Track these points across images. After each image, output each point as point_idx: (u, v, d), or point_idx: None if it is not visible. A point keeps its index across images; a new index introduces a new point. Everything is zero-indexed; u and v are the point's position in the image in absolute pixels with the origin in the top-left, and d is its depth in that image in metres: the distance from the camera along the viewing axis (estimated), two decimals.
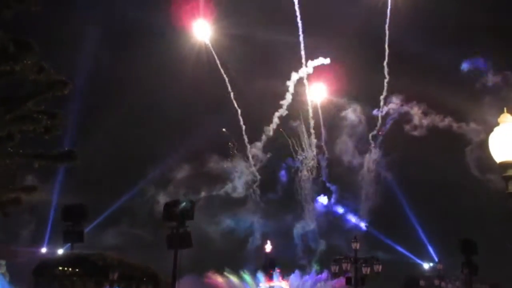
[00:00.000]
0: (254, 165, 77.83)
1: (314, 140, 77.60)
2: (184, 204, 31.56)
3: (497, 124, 10.96)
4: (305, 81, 75.06)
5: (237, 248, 75.00)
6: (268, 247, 75.18)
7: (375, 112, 74.31)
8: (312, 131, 77.22)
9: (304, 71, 73.90)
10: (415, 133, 69.72)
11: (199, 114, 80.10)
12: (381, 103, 73.67)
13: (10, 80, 18.52)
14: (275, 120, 76.02)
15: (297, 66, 74.31)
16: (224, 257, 68.83)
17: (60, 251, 50.22)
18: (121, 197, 69.55)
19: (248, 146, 77.38)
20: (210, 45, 72.57)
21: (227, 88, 74.93)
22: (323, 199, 76.72)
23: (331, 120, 76.69)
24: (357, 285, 37.27)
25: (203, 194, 74.74)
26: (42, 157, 19.93)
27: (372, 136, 75.07)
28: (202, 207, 75.20)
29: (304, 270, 66.38)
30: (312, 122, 76.61)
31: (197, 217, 72.26)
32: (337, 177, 77.99)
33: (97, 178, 76.24)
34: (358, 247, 37.87)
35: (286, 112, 75.67)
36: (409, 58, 71.07)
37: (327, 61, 73.52)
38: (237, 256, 72.20)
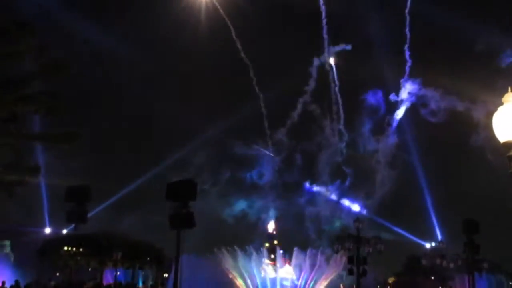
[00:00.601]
0: (278, 150, 78.60)
1: (334, 124, 78.00)
2: (186, 183, 31.63)
3: (501, 103, 10.96)
4: (327, 66, 75.38)
5: (250, 230, 76.03)
6: (271, 227, 75.61)
7: (392, 96, 74.37)
8: (333, 116, 77.63)
9: (326, 56, 74.17)
10: (433, 117, 69.53)
11: (222, 100, 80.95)
12: (401, 87, 73.56)
13: (13, 62, 18.53)
14: (298, 105, 76.54)
15: (319, 52, 74.75)
16: (236, 238, 69.90)
17: (64, 231, 50.66)
18: (139, 179, 70.43)
19: (268, 132, 78.12)
20: (233, 32, 72.90)
21: (250, 74, 75.54)
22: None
23: (351, 104, 77.16)
24: (359, 264, 37.43)
25: (223, 177, 75.81)
26: (45, 138, 19.99)
27: (389, 120, 75.14)
28: (222, 191, 76.33)
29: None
30: (333, 107, 76.95)
31: (215, 200, 73.64)
32: (354, 160, 78.51)
33: (117, 160, 77.06)
34: (360, 227, 38.06)
35: (309, 97, 76.11)
36: (430, 41, 71.08)
37: (348, 47, 73.71)
38: (249, 237, 73.18)
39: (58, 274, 53.51)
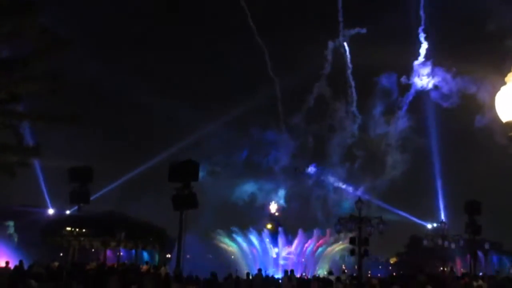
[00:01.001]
0: (292, 133, 78.92)
1: (347, 107, 77.97)
2: (188, 164, 31.64)
3: (505, 83, 10.87)
4: (342, 49, 75.22)
5: (259, 212, 76.58)
6: (273, 208, 75.91)
7: (404, 79, 74.17)
8: (347, 99, 77.59)
9: (341, 39, 74.01)
10: (445, 100, 69.22)
11: (237, 84, 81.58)
12: (414, 70, 73.20)
13: (15, 41, 18.43)
14: (313, 89, 76.63)
15: (334, 35, 74.61)
16: (244, 220, 70.56)
17: (67, 212, 50.84)
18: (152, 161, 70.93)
19: (282, 116, 78.42)
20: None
21: (265, 58, 75.86)
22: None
23: (365, 87, 77.12)
24: (361, 244, 37.53)
25: (237, 160, 76.33)
26: (47, 119, 19.94)
27: (401, 102, 74.98)
28: (235, 174, 76.75)
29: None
30: (347, 90, 76.89)
31: (226, 182, 74.13)
32: (365, 143, 78.59)
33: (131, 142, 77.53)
34: (362, 207, 38.13)
35: (323, 81, 76.10)
36: (445, 24, 70.59)
37: (363, 30, 73.45)
38: (256, 219, 73.79)
39: (61, 254, 53.87)
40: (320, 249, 62.22)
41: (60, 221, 47.61)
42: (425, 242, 52.75)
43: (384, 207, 71.82)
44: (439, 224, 52.09)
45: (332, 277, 27.33)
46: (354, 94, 77.67)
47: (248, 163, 78.51)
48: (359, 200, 39.01)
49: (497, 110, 11.00)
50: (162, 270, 30.33)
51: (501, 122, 11.01)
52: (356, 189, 75.99)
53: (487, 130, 60.48)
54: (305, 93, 77.68)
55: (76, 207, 39.40)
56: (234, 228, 62.18)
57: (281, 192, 78.66)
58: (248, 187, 76.79)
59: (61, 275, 26.27)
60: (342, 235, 47.30)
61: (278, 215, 77.61)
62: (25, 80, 18.52)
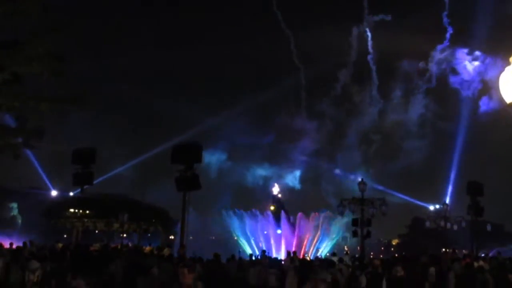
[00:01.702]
0: (314, 119, 79.09)
1: (368, 93, 77.89)
2: (191, 146, 31.68)
3: (509, 63, 10.77)
4: (366, 35, 74.93)
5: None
6: (276, 190, 76.02)
7: (424, 65, 73.90)
8: (369, 85, 77.46)
9: (365, 25, 73.71)
10: (466, 86, 68.78)
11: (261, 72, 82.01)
12: (438, 55, 72.70)
13: (16, 21, 18.34)
14: (337, 75, 76.65)
15: (358, 21, 74.33)
16: (255, 201, 71.26)
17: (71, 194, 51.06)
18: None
19: (304, 103, 78.58)
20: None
21: (290, 46, 75.98)
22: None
23: (387, 73, 76.88)
24: (363, 226, 37.68)
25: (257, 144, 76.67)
26: (51, 100, 19.90)
27: (422, 88, 74.72)
28: (253, 158, 77.17)
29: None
30: (370, 76, 76.73)
31: (243, 166, 74.79)
32: (383, 128, 78.61)
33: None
34: (365, 189, 38.22)
35: (347, 67, 76.01)
36: (469, 9, 69.76)
37: (388, 17, 73.01)
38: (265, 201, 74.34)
39: (65, 236, 54.18)
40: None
41: (63, 203, 47.84)
42: (427, 224, 52.88)
43: (387, 191, 72.11)
44: (441, 206, 52.19)
45: (334, 258, 27.45)
46: (376, 80, 77.45)
47: (271, 149, 79.18)
48: (361, 182, 39.13)
49: (500, 90, 10.91)
50: (166, 251, 30.50)
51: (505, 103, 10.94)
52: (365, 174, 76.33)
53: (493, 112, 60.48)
54: (329, 79, 77.82)
55: (79, 189, 39.47)
56: (238, 210, 62.53)
57: (297, 174, 79.08)
58: (262, 171, 77.42)
59: (65, 256, 26.41)
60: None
61: (281, 197, 77.77)
62: (28, 61, 18.45)
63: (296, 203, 76.58)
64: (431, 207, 70.16)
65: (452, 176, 70.55)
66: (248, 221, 62.22)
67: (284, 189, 78.28)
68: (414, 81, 75.02)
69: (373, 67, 76.50)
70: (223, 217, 61.14)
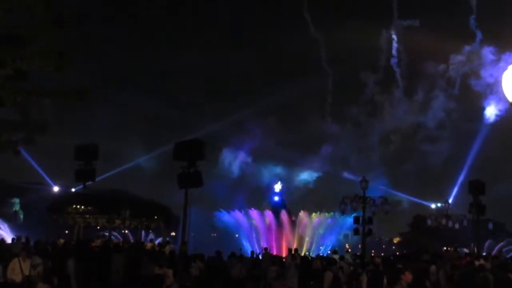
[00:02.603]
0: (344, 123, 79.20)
1: (395, 95, 77.67)
2: (194, 143, 31.68)
3: None
4: (394, 40, 74.77)
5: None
6: (278, 187, 75.86)
7: (451, 68, 73.52)
8: (395, 88, 77.23)
9: (394, 30, 73.54)
10: (491, 89, 68.45)
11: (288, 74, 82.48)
12: (463, 58, 72.25)
13: (18, 16, 18.35)
14: (366, 80, 76.59)
15: (386, 26, 74.22)
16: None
17: (73, 190, 51.04)
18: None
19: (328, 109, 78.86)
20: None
21: (318, 48, 76.32)
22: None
23: (413, 76, 76.63)
24: (365, 224, 37.68)
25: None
26: (54, 95, 19.91)
27: (448, 91, 74.32)
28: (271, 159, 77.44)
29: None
30: (396, 80, 76.53)
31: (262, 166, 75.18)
32: (404, 129, 78.61)
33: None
34: (366, 187, 38.21)
35: (374, 71, 75.95)
36: (496, 13, 69.59)
37: (416, 22, 72.71)
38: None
39: (66, 232, 54.22)
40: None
41: (65, 198, 47.86)
42: (429, 222, 52.89)
43: (388, 190, 72.14)
44: (443, 204, 52.23)
45: (336, 256, 27.45)
46: (401, 82, 77.08)
47: (295, 150, 79.48)
48: (363, 180, 39.08)
49: (503, 89, 10.78)
50: (167, 248, 30.53)
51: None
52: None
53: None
54: (356, 82, 77.80)
55: (81, 185, 39.54)
56: (233, 210, 62.82)
57: (313, 175, 78.96)
58: (278, 170, 77.70)
59: (67, 252, 26.45)
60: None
61: (281, 193, 77.74)
62: (30, 56, 18.45)
63: (304, 202, 76.62)
64: (433, 205, 70.17)
65: (456, 174, 70.49)
66: (243, 221, 62.40)
67: (296, 187, 78.31)
68: (439, 84, 74.45)
69: (397, 70, 76.12)
70: (217, 217, 61.30)
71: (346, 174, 76.55)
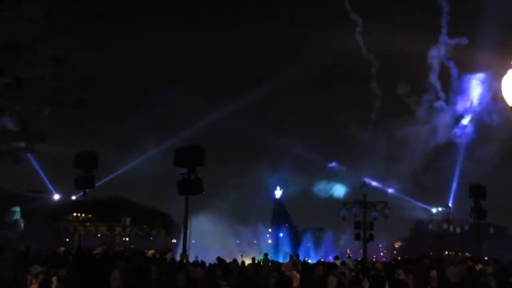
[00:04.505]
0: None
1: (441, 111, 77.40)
2: (194, 150, 31.63)
3: (511, 66, 10.56)
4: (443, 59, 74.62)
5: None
6: (278, 193, 75.88)
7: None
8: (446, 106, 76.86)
9: (442, 48, 73.36)
10: None
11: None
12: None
13: (18, 25, 18.38)
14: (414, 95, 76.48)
15: (433, 43, 74.25)
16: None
17: (73, 198, 51.03)
18: None
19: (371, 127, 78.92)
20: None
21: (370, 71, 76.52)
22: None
23: (466, 97, 76.32)
24: (366, 229, 37.57)
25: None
26: (53, 104, 19.91)
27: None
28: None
29: None
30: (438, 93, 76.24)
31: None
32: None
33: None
34: (367, 192, 38.12)
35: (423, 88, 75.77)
36: None
37: (464, 40, 72.53)
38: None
39: (67, 240, 54.16)
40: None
41: (66, 206, 47.85)
42: (430, 227, 52.80)
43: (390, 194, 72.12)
44: (444, 209, 52.11)
45: (337, 262, 27.38)
46: (443, 96, 76.55)
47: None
48: (364, 184, 39.01)
49: (503, 94, 10.68)
50: (169, 255, 30.48)
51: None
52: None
53: None
54: (402, 100, 77.83)
55: (81, 193, 39.53)
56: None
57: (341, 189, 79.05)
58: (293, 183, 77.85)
59: (67, 260, 26.41)
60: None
61: (283, 200, 77.72)
62: (29, 65, 18.47)
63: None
64: (434, 210, 70.10)
65: (455, 178, 70.37)
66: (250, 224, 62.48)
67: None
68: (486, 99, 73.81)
69: (437, 82, 75.76)
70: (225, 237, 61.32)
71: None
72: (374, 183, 74.01)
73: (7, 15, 17.34)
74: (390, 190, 70.01)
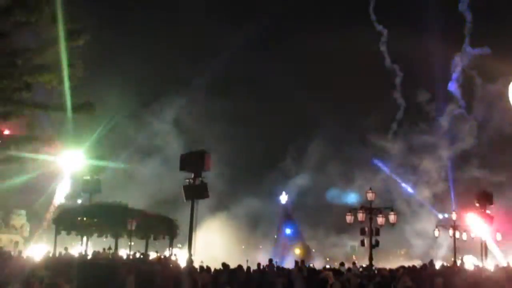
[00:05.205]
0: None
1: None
2: (199, 155, 31.66)
3: None
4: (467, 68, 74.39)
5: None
6: (284, 198, 75.71)
7: None
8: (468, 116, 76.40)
9: (465, 58, 73.11)
10: None
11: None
12: None
13: (27, 30, 18.49)
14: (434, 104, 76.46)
15: (455, 51, 74.41)
16: None
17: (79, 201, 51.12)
18: None
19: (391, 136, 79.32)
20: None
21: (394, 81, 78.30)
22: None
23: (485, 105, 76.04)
24: (372, 235, 37.45)
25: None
26: (60, 108, 20.00)
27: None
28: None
29: None
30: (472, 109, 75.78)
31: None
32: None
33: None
34: (373, 198, 37.97)
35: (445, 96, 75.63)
36: None
37: (486, 50, 71.96)
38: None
39: (72, 244, 54.18)
40: None
41: (72, 210, 47.83)
42: (436, 233, 52.57)
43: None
44: (450, 214, 51.90)
45: (343, 268, 27.31)
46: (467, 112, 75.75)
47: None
48: (369, 190, 38.82)
49: (509, 99, 10.67)
50: (174, 261, 30.48)
51: None
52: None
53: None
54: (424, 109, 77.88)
55: (87, 197, 39.64)
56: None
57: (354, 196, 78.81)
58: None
59: (73, 264, 26.46)
60: None
61: (289, 206, 77.54)
62: (37, 70, 18.57)
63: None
64: (440, 216, 69.87)
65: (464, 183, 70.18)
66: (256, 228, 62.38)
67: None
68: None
69: (459, 91, 75.23)
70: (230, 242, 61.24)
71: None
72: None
73: (16, 20, 17.46)
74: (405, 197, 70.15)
